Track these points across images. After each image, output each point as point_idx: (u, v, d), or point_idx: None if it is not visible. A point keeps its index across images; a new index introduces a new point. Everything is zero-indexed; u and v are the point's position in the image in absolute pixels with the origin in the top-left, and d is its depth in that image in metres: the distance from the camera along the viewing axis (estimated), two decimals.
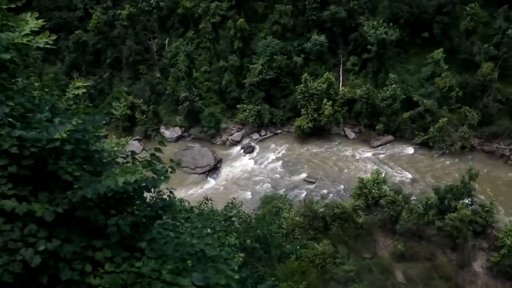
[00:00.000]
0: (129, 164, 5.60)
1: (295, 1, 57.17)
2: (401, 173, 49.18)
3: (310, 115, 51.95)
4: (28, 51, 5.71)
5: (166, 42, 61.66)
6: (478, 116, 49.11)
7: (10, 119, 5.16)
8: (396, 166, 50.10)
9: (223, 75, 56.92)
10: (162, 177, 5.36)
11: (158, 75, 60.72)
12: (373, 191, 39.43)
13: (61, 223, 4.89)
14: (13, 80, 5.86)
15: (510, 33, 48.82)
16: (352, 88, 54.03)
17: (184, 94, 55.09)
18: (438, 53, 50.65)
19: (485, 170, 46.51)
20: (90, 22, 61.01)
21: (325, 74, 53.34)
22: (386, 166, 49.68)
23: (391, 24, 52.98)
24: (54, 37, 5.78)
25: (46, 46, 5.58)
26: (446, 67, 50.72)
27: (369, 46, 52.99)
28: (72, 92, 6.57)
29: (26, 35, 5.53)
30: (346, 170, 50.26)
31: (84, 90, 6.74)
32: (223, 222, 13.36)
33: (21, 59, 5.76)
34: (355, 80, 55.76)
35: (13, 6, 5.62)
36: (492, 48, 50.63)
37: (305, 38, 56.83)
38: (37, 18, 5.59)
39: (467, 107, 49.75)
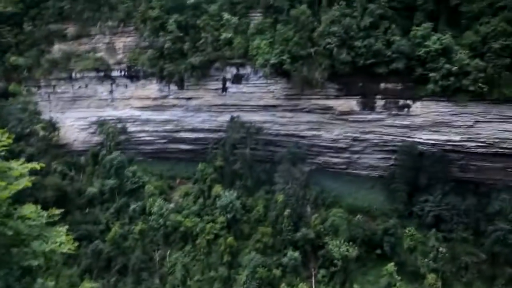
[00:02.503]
0: None
1: (274, 224, 58.53)
2: None
3: None
4: (53, 256, 5.67)
5: (168, 253, 60.34)
6: None
7: None
8: None
9: (213, 284, 54.08)
10: None
11: (157, 281, 57.40)
12: None
13: None
14: (33, 283, 5.62)
15: (442, 250, 49.62)
16: None
17: None
18: (390, 267, 50.03)
19: None
20: (108, 234, 60.65)
21: (299, 285, 50.97)
22: None
23: (351, 243, 53.53)
24: (76, 245, 5.80)
25: (68, 252, 5.58)
26: (399, 278, 49.44)
27: (335, 261, 52.34)
28: None
29: (55, 244, 5.57)
30: None
31: None
32: None
33: (45, 263, 5.67)
34: None
35: (51, 220, 5.86)
36: (432, 262, 50.46)
37: (282, 254, 56.13)
38: (67, 230, 5.76)
39: None
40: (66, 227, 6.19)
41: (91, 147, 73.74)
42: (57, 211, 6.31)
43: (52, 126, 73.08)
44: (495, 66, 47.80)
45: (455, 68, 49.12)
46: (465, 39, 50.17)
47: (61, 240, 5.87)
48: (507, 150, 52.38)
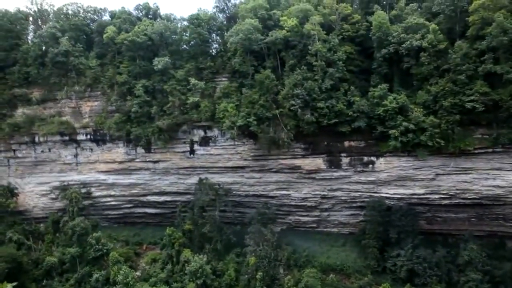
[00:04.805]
0: None
1: None
2: None
3: None
4: None
5: None
6: None
7: None
8: None
9: None
10: None
11: None
12: None
13: None
14: None
15: None
16: None
17: None
18: None
19: None
20: None
21: None
22: None
23: None
24: None
25: None
26: None
27: None
28: None
29: None
30: None
31: None
32: None
33: None
34: None
35: None
36: None
37: None
38: None
39: None
40: None
41: (52, 213, 70.82)
42: (9, 286, 6.21)
43: (9, 192, 70.33)
44: (447, 122, 51.45)
45: (411, 125, 52.38)
46: (418, 98, 54.12)
47: None
48: (468, 201, 54.76)
